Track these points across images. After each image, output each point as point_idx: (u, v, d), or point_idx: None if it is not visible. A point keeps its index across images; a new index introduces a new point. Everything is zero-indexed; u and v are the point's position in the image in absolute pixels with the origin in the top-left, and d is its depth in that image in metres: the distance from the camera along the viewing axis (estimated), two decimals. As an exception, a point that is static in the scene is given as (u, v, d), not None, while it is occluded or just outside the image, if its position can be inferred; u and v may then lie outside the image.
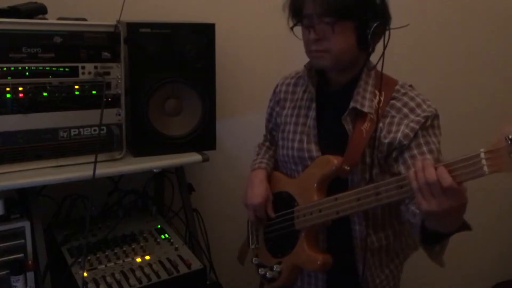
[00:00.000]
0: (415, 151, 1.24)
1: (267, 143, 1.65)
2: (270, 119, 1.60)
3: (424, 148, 1.24)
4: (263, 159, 1.57)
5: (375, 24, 1.21)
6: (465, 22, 2.47)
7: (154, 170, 1.69)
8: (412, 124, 1.24)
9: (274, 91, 1.55)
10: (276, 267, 1.43)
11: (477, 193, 2.61)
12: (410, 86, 1.33)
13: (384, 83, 1.29)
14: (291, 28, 1.31)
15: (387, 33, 1.23)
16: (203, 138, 1.74)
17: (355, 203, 1.20)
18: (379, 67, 1.27)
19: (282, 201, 1.44)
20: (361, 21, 1.21)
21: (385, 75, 1.29)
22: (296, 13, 1.29)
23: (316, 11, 1.22)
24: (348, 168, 1.27)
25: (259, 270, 1.49)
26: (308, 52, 1.31)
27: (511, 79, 2.69)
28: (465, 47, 2.51)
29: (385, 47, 1.23)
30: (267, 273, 1.45)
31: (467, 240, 2.62)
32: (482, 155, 0.92)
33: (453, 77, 2.51)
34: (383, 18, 1.23)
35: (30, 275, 1.46)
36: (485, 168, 0.92)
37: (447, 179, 0.96)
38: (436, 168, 0.98)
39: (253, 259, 1.55)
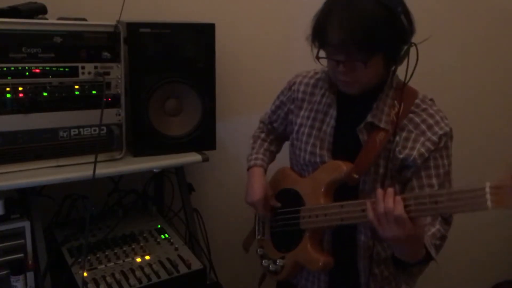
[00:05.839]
0: (422, 173, 1.25)
1: (263, 135, 1.63)
2: (276, 111, 1.57)
3: (432, 172, 1.25)
4: (258, 155, 1.57)
5: (405, 48, 1.19)
6: (464, 21, 2.47)
7: (154, 170, 1.69)
8: (428, 144, 1.24)
9: (290, 88, 1.50)
10: (279, 261, 1.45)
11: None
12: (431, 100, 1.31)
13: (405, 94, 1.27)
14: (317, 59, 1.24)
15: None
16: (203, 138, 1.74)
17: (359, 213, 1.19)
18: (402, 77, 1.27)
19: (290, 198, 1.45)
20: (392, 48, 1.19)
21: (407, 86, 1.28)
22: (321, 42, 1.21)
23: (346, 46, 1.15)
24: (357, 176, 1.26)
25: (263, 261, 1.51)
26: (335, 79, 1.28)
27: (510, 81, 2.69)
28: (462, 47, 2.51)
29: (415, 65, 1.20)
30: (270, 266, 1.47)
31: (467, 240, 2.63)
32: (487, 189, 0.93)
33: (450, 78, 2.51)
34: (411, 36, 1.20)
35: (30, 275, 1.46)
36: (489, 203, 0.93)
37: (398, 209, 1.05)
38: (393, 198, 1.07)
39: (258, 250, 1.56)
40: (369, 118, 1.27)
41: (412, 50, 1.21)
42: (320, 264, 1.33)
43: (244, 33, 2.08)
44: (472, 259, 2.79)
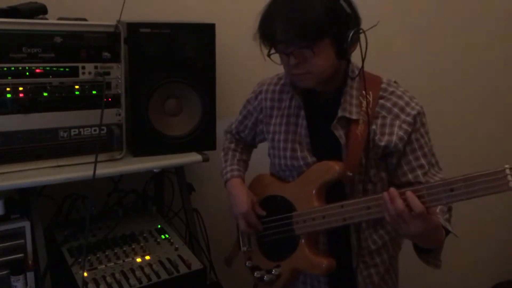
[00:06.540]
0: (410, 157, 1.28)
1: (233, 145, 1.62)
2: (243, 121, 1.56)
3: (419, 153, 1.28)
4: (233, 166, 1.56)
5: (351, 34, 1.19)
6: (459, 18, 2.48)
7: (154, 170, 1.69)
8: (404, 126, 1.26)
9: (256, 97, 1.49)
10: (275, 271, 1.42)
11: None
12: (395, 82, 1.34)
13: (369, 82, 1.28)
14: (269, 56, 1.26)
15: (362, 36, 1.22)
16: (203, 138, 1.74)
17: (364, 211, 1.19)
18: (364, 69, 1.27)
19: (277, 205, 1.42)
20: (337, 34, 1.19)
21: (368, 73, 1.29)
22: (269, 40, 1.24)
23: (290, 36, 1.18)
24: (351, 174, 1.26)
25: (255, 273, 1.48)
26: (290, 75, 1.31)
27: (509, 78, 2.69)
28: (457, 42, 2.51)
29: (365, 51, 1.22)
30: (265, 276, 1.44)
31: (467, 240, 2.63)
32: (508, 171, 0.96)
33: (445, 74, 2.51)
34: (356, 23, 1.22)
35: (30, 275, 1.46)
36: (511, 184, 0.96)
37: (418, 206, 1.05)
38: (404, 193, 1.07)
39: (247, 262, 1.53)
40: (340, 113, 1.28)
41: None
42: (324, 266, 1.31)
43: (244, 33, 2.06)
44: (472, 259, 2.79)
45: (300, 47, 1.19)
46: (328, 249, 1.38)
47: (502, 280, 2.93)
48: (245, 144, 1.62)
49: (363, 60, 1.24)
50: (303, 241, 1.36)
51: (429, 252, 1.23)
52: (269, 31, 1.22)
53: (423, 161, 1.27)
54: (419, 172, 1.27)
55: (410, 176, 1.28)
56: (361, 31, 1.21)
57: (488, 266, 2.88)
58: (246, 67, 2.10)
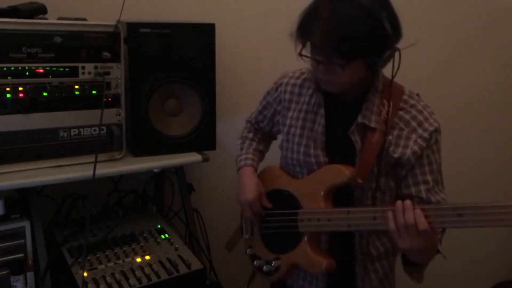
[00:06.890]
0: (417, 171, 1.28)
1: (251, 135, 1.63)
2: (262, 111, 1.58)
3: (426, 168, 1.28)
4: (248, 155, 1.56)
5: (387, 54, 1.18)
6: (465, 19, 2.48)
7: (154, 170, 1.69)
8: (419, 141, 1.26)
9: (277, 89, 1.51)
10: (274, 263, 1.44)
11: (477, 192, 2.61)
12: (417, 95, 1.33)
13: (392, 92, 1.28)
14: (300, 55, 1.25)
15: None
16: (203, 138, 1.74)
17: (370, 221, 1.20)
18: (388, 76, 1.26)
19: (283, 200, 1.43)
20: (372, 55, 1.18)
21: (393, 83, 1.28)
22: (304, 41, 1.23)
23: (325, 48, 1.17)
24: (361, 181, 1.27)
25: (255, 261, 1.49)
26: (317, 77, 1.31)
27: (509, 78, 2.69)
28: (463, 43, 2.51)
29: (398, 68, 1.21)
30: (264, 267, 1.46)
31: (467, 240, 2.63)
32: None
33: (444, 74, 2.52)
34: (395, 42, 1.19)
35: (30, 275, 1.46)
36: None
37: (423, 223, 1.08)
38: (413, 210, 1.09)
39: (248, 250, 1.54)
40: (359, 119, 1.28)
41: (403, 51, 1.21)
42: (324, 266, 1.32)
43: (244, 33, 2.07)
44: (472, 259, 2.79)
45: (332, 61, 1.19)
46: (330, 249, 1.38)
47: (502, 280, 2.93)
48: (263, 134, 1.63)
49: (393, 77, 1.24)
50: (305, 238, 1.36)
51: (415, 265, 1.25)
52: (307, 32, 1.21)
53: (429, 177, 1.27)
54: (422, 188, 1.27)
55: (412, 190, 1.28)
56: (396, 49, 1.19)
57: (488, 266, 2.88)
58: (246, 67, 2.11)
